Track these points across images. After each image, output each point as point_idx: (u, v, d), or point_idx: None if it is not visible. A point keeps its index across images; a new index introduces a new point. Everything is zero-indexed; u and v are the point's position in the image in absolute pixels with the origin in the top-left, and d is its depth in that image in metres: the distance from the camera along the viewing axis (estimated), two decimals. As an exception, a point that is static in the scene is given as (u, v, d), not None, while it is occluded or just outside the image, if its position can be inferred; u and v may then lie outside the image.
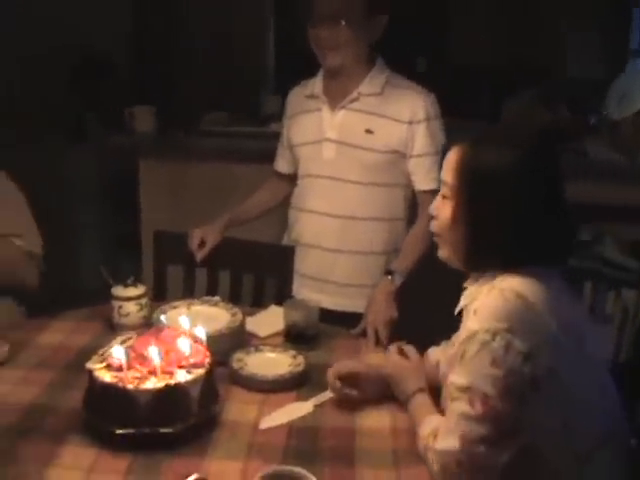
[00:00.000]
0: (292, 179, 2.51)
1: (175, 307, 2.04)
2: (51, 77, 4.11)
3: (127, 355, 1.54)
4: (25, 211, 2.30)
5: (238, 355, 1.86)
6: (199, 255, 2.41)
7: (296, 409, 1.67)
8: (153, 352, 1.53)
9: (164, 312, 1.93)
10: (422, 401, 1.61)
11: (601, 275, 2.86)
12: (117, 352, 1.55)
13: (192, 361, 1.57)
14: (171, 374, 1.52)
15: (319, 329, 2.03)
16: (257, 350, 1.91)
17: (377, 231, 2.35)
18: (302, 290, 2.42)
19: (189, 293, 2.43)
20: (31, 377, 1.79)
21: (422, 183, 2.33)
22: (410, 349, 1.77)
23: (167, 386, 1.49)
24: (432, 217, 1.61)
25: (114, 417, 1.49)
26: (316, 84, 2.40)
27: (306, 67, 2.41)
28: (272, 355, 1.90)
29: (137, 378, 1.50)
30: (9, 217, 2.22)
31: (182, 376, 1.52)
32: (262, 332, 2.06)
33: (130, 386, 1.48)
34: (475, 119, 3.66)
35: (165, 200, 3.57)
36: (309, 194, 2.40)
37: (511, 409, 1.36)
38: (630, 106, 2.66)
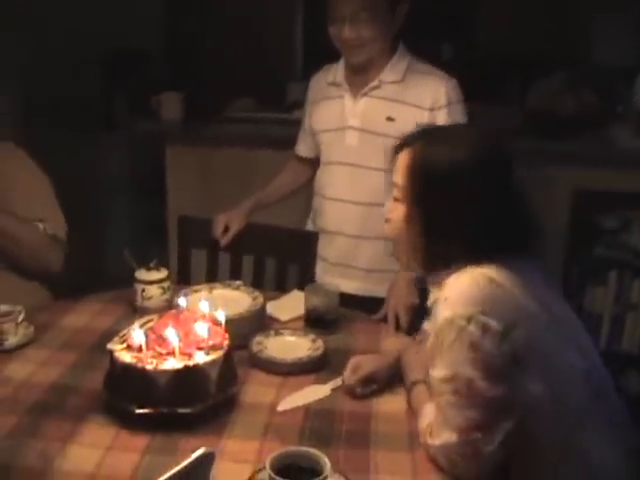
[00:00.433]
0: (313, 163, 2.53)
1: (197, 291, 2.07)
2: (84, 65, 4.15)
3: (147, 336, 1.57)
4: (50, 196, 2.32)
5: (258, 338, 1.88)
6: (223, 241, 2.44)
7: (313, 392, 1.69)
8: (172, 334, 1.55)
9: (186, 295, 1.96)
10: (418, 391, 1.61)
11: (627, 263, 2.84)
12: (137, 334, 1.57)
13: (211, 343, 1.59)
14: (190, 355, 1.54)
15: (339, 313, 2.04)
16: (277, 334, 1.93)
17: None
18: (325, 276, 2.44)
19: (213, 277, 2.46)
20: (55, 357, 1.83)
21: None
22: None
23: (186, 367, 1.51)
24: (386, 221, 1.62)
25: (133, 397, 1.51)
26: (338, 71, 2.41)
27: (334, 53, 2.41)
28: (292, 339, 1.92)
29: (156, 359, 1.53)
30: (33, 202, 2.25)
31: (200, 357, 1.54)
32: (283, 316, 2.08)
33: (149, 367, 1.50)
34: (502, 105, 3.66)
35: (192, 186, 3.60)
36: (331, 181, 2.41)
37: (497, 389, 1.35)
38: None
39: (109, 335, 1.71)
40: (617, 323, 3.08)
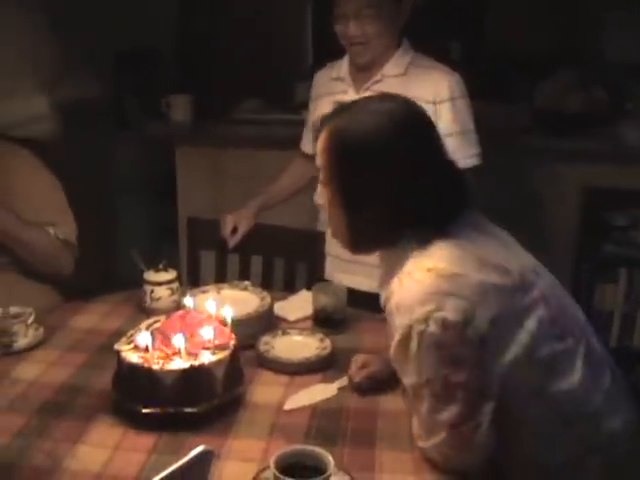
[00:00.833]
0: None
1: (205, 291, 2.08)
2: (97, 65, 4.16)
3: (153, 337, 1.58)
4: (61, 200, 2.33)
5: (265, 338, 1.89)
6: (232, 242, 2.45)
7: (320, 391, 1.69)
8: (178, 334, 1.56)
9: (193, 296, 1.97)
10: None
11: (636, 261, 2.83)
12: (143, 335, 1.59)
13: (217, 343, 1.60)
14: (196, 355, 1.56)
15: (347, 313, 2.05)
16: (284, 333, 1.94)
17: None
18: (335, 272, 2.44)
19: (222, 278, 2.47)
20: (64, 358, 1.84)
21: None
22: None
23: (192, 367, 1.52)
24: (319, 206, 1.60)
25: (140, 397, 1.53)
26: (342, 67, 2.41)
27: (343, 54, 2.41)
28: (299, 338, 1.93)
29: (162, 359, 1.54)
30: (45, 206, 2.25)
31: (206, 357, 1.56)
32: (291, 316, 2.09)
33: (155, 367, 1.52)
34: (511, 103, 3.64)
35: (202, 187, 3.61)
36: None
37: (472, 375, 1.34)
38: None
39: (118, 336, 1.72)
40: (627, 320, 3.07)
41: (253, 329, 1.90)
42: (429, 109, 2.25)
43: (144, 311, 2.06)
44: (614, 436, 1.42)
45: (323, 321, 2.02)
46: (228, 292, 2.09)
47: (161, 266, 2.10)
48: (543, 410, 1.40)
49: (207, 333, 1.60)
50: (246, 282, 2.17)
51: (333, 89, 2.42)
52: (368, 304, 2.16)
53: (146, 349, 1.56)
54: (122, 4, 4.07)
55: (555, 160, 3.22)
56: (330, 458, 1.28)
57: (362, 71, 2.35)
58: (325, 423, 1.57)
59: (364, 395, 1.68)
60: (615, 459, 1.44)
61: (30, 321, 1.92)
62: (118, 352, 1.59)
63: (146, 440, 1.49)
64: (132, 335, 1.63)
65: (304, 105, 2.68)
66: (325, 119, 1.52)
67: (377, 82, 2.33)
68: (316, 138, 1.52)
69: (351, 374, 1.71)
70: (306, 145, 2.59)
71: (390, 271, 1.50)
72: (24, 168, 2.29)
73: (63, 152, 2.72)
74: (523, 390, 1.40)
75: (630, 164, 3.11)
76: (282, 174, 2.62)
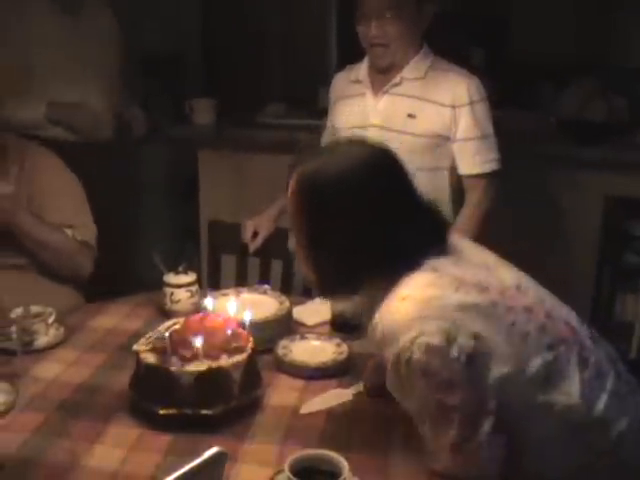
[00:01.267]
0: None
1: (224, 295, 2.09)
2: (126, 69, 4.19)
3: (172, 339, 1.60)
4: (81, 202, 2.35)
5: (283, 342, 1.90)
6: (252, 246, 2.46)
7: (336, 396, 1.70)
8: (196, 336, 1.58)
9: (213, 298, 1.98)
10: None
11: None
12: (162, 337, 1.60)
13: (234, 346, 1.61)
14: (214, 357, 1.57)
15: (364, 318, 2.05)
16: (302, 338, 1.95)
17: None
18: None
19: (242, 282, 2.48)
20: (84, 358, 1.86)
21: (466, 167, 2.33)
22: None
23: (209, 369, 1.54)
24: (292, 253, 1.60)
25: (157, 398, 1.54)
26: (361, 69, 2.42)
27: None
28: (317, 343, 1.93)
29: (180, 360, 1.55)
30: (64, 208, 2.28)
31: (224, 360, 1.57)
32: (310, 321, 2.09)
33: (173, 368, 1.53)
34: (534, 111, 3.63)
35: (224, 191, 3.63)
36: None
37: (466, 396, 1.34)
38: None
39: (137, 337, 1.74)
40: (648, 331, 3.03)
41: (271, 333, 1.90)
42: (447, 113, 2.26)
43: (164, 313, 2.07)
44: (622, 435, 1.41)
45: (340, 326, 2.03)
46: (247, 296, 2.10)
47: (181, 269, 2.11)
48: (545, 423, 1.39)
49: (226, 332, 1.62)
50: (265, 286, 2.18)
51: (351, 92, 2.43)
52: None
53: (164, 351, 1.57)
54: (147, 10, 4.10)
55: (577, 168, 3.20)
56: (345, 463, 1.29)
57: (381, 74, 2.35)
58: (340, 428, 1.58)
59: (378, 400, 1.67)
60: (625, 457, 1.42)
61: (51, 320, 1.94)
62: (137, 353, 1.61)
63: (162, 441, 1.50)
64: (150, 336, 1.65)
65: (327, 110, 2.69)
66: (294, 164, 1.52)
67: (396, 85, 2.33)
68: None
69: (365, 379, 1.71)
70: None
71: (372, 303, 1.50)
72: (51, 169, 2.32)
73: (94, 154, 2.74)
74: (518, 405, 1.38)
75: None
76: None
